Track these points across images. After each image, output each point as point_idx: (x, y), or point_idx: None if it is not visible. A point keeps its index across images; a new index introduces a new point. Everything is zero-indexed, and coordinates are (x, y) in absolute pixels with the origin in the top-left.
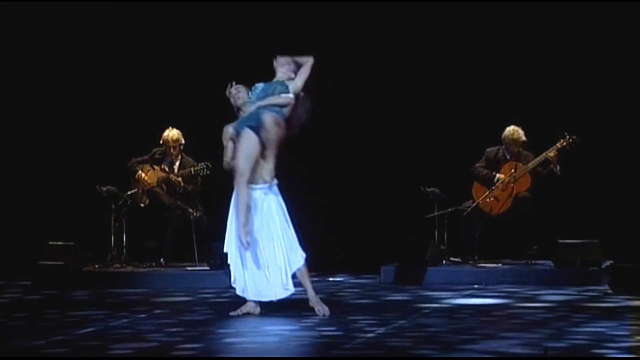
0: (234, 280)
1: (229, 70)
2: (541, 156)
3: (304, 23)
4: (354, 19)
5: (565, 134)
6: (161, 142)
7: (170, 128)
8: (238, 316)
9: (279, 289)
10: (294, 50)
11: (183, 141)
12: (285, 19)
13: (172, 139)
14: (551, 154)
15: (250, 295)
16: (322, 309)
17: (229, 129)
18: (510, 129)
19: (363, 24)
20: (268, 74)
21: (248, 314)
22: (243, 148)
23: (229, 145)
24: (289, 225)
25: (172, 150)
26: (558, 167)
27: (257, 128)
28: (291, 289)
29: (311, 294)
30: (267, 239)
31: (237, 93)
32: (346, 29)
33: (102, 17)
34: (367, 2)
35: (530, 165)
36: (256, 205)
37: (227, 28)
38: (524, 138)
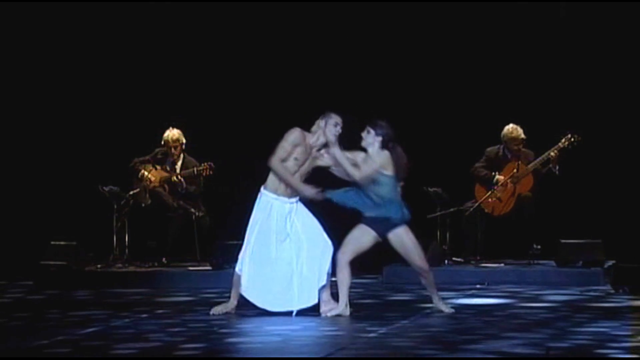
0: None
1: (229, 70)
2: (543, 156)
3: (303, 22)
4: (353, 19)
5: (567, 133)
6: (162, 142)
7: (171, 128)
8: (219, 315)
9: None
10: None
11: (184, 141)
12: (284, 17)
13: (172, 138)
14: (553, 154)
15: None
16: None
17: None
18: (510, 127)
19: (363, 24)
20: (268, 73)
21: (227, 313)
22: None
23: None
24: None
25: (173, 150)
26: (557, 167)
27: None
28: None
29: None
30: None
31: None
32: (346, 29)
33: (102, 17)
34: (368, 2)
35: (532, 165)
36: (285, 218)
37: (227, 28)
38: (523, 135)
